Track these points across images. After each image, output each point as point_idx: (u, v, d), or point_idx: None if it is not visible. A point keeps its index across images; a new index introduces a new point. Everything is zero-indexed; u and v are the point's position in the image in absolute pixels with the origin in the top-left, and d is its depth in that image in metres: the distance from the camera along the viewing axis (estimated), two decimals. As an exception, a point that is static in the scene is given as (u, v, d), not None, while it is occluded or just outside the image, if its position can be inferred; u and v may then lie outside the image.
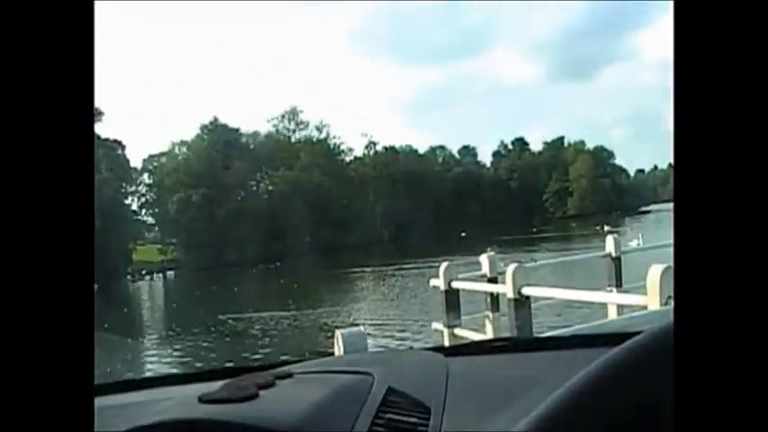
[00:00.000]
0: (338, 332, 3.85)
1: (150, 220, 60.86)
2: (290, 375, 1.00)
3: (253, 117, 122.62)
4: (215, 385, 0.92)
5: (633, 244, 11.48)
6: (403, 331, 16.05)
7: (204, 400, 0.86)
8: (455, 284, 7.71)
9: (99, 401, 1.22)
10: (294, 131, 68.37)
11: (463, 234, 53.55)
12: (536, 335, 5.37)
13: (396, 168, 67.81)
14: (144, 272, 51.76)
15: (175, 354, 17.10)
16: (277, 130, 67.93)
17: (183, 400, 0.91)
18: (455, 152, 78.80)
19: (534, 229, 54.16)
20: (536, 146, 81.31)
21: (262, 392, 0.88)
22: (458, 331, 7.48)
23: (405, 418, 0.86)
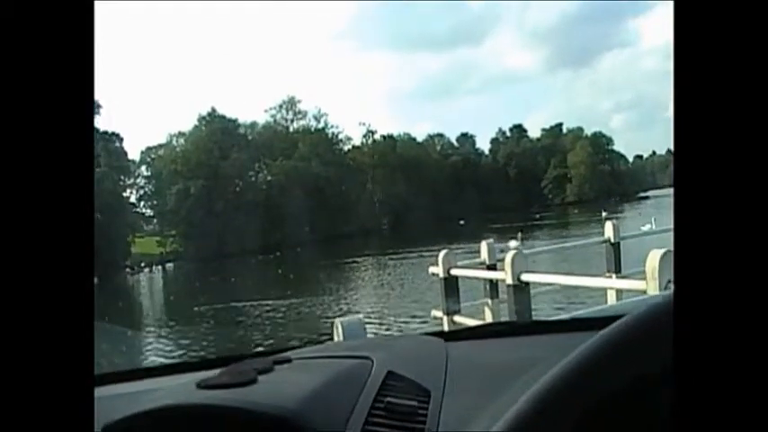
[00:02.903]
0: (337, 320, 3.86)
1: (149, 212, 60.83)
2: (288, 360, 1.00)
3: (250, 107, 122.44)
4: (213, 373, 0.92)
5: (646, 228, 11.44)
6: (401, 317, 16.10)
7: (202, 385, 0.85)
8: (454, 272, 7.73)
9: (99, 391, 1.22)
10: (292, 121, 68.26)
11: (462, 222, 53.62)
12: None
13: (394, 157, 67.74)
14: (143, 264, 51.74)
15: (174, 344, 17.15)
16: (275, 120, 67.78)
17: (180, 387, 0.91)
18: (453, 140, 78.73)
19: (538, 216, 54.11)
20: (534, 133, 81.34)
21: (260, 377, 0.87)
22: (457, 318, 7.52)
23: (405, 402, 0.86)
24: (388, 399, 0.86)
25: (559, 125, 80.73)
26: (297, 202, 56.35)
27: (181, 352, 15.49)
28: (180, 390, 0.89)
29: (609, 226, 8.38)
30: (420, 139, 76.45)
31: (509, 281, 6.57)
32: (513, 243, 22.39)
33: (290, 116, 68.26)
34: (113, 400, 1.11)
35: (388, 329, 14.56)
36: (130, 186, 58.76)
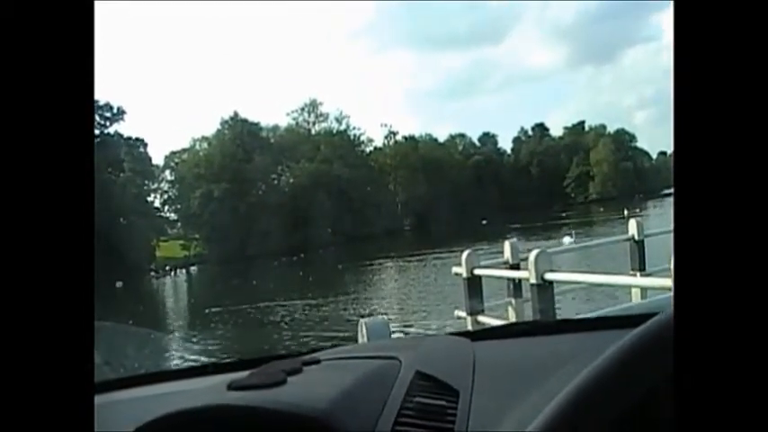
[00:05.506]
0: (362, 321, 3.88)
1: (173, 216, 61.12)
2: (317, 361, 1.01)
3: (272, 110, 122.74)
4: (242, 375, 0.93)
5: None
6: (425, 319, 16.08)
7: (233, 386, 0.86)
8: (477, 271, 7.70)
9: (129, 393, 1.24)
10: (314, 124, 68.31)
11: (484, 221, 53.38)
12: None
13: (416, 157, 67.57)
14: (168, 267, 52.05)
15: (200, 346, 17.24)
16: (297, 123, 67.88)
17: (211, 388, 0.92)
18: (475, 140, 78.29)
19: (564, 214, 53.66)
20: (556, 131, 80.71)
21: (290, 378, 0.88)
22: (481, 318, 7.48)
23: (433, 402, 0.87)
24: (417, 399, 0.87)
25: (581, 123, 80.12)
26: (319, 205, 56.47)
27: (207, 354, 15.57)
28: (211, 391, 0.90)
29: (633, 223, 8.31)
30: (442, 139, 76.17)
31: (533, 280, 6.53)
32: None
33: (312, 119, 68.42)
34: (144, 402, 1.12)
35: (411, 329, 14.53)
36: (155, 191, 59.19)
